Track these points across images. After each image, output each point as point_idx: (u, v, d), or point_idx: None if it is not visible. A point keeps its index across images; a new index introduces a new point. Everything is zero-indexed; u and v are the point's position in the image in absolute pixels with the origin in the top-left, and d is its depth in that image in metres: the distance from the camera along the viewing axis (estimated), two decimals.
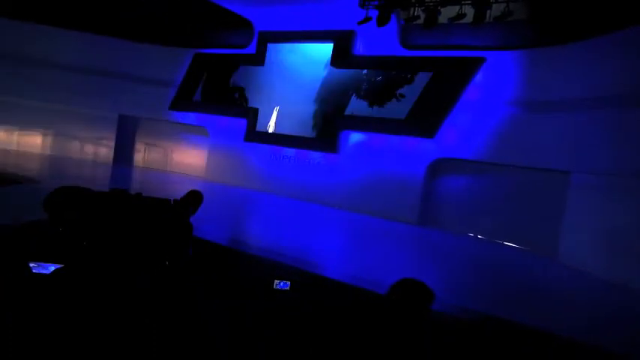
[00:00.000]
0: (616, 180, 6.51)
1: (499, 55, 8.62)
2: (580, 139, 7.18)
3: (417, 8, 8.19)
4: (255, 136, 11.64)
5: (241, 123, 11.86)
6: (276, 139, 11.33)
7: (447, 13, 7.90)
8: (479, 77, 8.81)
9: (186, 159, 13.48)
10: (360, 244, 7.29)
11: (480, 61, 8.78)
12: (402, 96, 9.76)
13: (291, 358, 1.96)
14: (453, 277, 5.64)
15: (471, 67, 8.85)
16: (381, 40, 9.92)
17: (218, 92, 12.52)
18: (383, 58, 9.99)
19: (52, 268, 1.62)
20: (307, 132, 11.09)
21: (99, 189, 2.93)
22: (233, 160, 11.96)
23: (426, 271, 5.73)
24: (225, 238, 5.86)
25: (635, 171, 6.09)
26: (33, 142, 13.15)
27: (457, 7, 7.68)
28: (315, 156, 10.73)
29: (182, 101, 12.60)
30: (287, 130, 11.28)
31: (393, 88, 9.90)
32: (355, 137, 10.27)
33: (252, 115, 11.74)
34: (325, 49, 10.80)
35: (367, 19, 8.32)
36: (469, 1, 7.59)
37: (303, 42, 11.26)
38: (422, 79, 9.51)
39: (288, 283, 2.66)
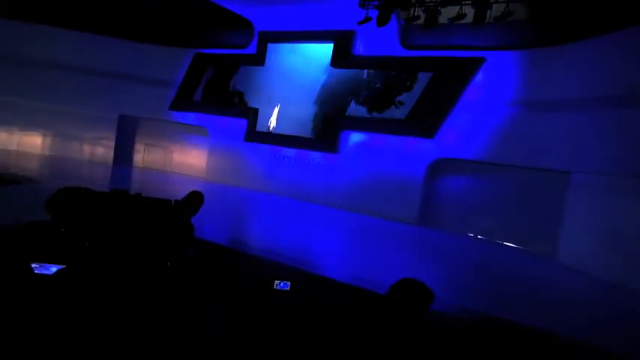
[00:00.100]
0: (616, 180, 6.50)
1: (499, 55, 8.62)
2: (580, 139, 7.18)
3: (417, 8, 8.20)
4: (256, 136, 11.64)
5: (241, 123, 11.86)
6: (276, 139, 11.33)
7: (447, 13, 7.90)
8: (479, 77, 8.81)
9: (186, 159, 13.45)
10: (360, 244, 7.29)
11: (480, 61, 8.78)
12: (401, 103, 9.84)
13: (291, 358, 1.96)
14: (453, 277, 5.65)
15: (471, 67, 8.85)
16: (381, 40, 9.91)
17: (218, 93, 12.53)
18: (383, 58, 9.99)
19: (54, 268, 1.62)
20: (307, 133, 11.10)
21: (99, 189, 2.93)
22: (233, 161, 11.95)
23: (426, 271, 5.72)
24: (226, 238, 5.87)
25: (635, 171, 6.09)
26: (33, 142, 13.14)
27: (457, 7, 7.69)
28: (315, 156, 10.72)
29: (182, 101, 12.60)
30: (287, 131, 11.28)
31: (391, 96, 9.93)
32: (355, 137, 10.27)
33: (252, 115, 11.74)
34: (325, 50, 10.80)
35: (367, 19, 8.31)
36: (469, 2, 7.60)
37: (303, 42, 11.27)
38: (420, 85, 9.52)
39: (288, 283, 2.66)
